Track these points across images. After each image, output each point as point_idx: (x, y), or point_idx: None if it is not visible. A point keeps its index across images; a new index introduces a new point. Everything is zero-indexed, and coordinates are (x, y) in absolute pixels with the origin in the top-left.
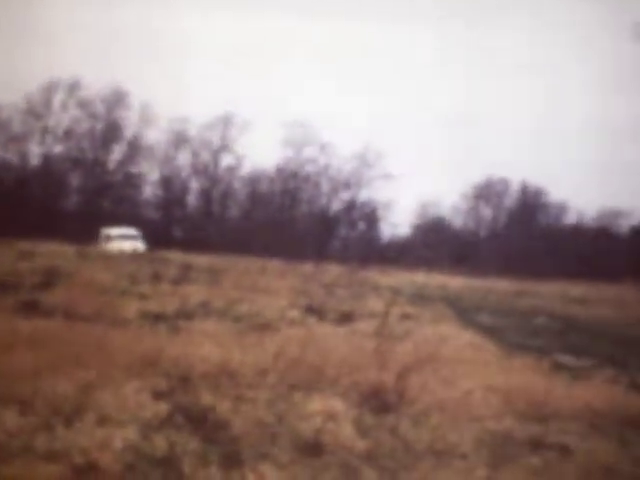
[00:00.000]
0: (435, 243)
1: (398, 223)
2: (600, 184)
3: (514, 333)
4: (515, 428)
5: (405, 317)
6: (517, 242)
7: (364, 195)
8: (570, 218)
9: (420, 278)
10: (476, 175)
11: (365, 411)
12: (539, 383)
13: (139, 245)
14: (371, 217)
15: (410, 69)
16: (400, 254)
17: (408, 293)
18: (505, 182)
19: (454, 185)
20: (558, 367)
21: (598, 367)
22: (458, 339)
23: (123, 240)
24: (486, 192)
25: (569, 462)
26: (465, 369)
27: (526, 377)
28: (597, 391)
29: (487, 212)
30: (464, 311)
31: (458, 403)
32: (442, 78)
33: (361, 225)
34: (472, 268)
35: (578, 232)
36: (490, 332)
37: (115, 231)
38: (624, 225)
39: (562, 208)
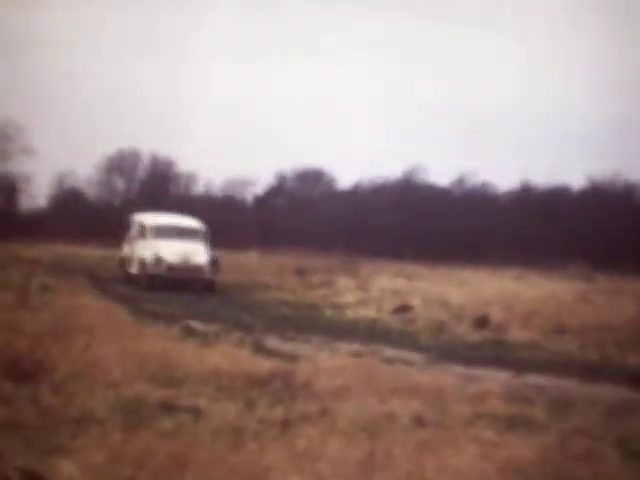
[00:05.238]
0: (71, 214)
1: (37, 195)
2: (227, 155)
3: (148, 302)
4: (148, 392)
5: (44, 288)
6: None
7: (4, 168)
8: (199, 188)
9: (60, 249)
10: (110, 148)
11: (5, 381)
12: (171, 348)
13: (200, 250)
14: (10, 190)
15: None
16: (40, 226)
17: (48, 264)
18: (136, 154)
19: (90, 158)
20: (189, 332)
21: (226, 331)
22: (94, 308)
23: (171, 238)
24: (118, 164)
25: (200, 423)
26: (101, 337)
27: (159, 343)
28: (225, 355)
29: (120, 183)
30: (100, 281)
31: (94, 370)
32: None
33: (1, 199)
34: (107, 238)
35: (207, 201)
36: (125, 301)
37: (157, 220)
38: (249, 194)
39: (192, 178)
